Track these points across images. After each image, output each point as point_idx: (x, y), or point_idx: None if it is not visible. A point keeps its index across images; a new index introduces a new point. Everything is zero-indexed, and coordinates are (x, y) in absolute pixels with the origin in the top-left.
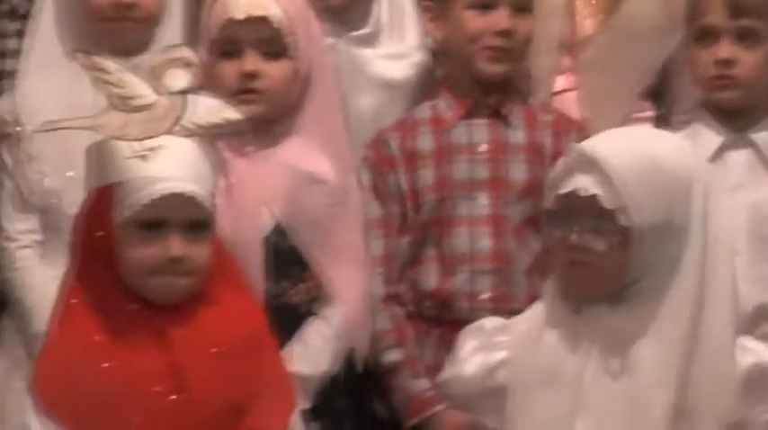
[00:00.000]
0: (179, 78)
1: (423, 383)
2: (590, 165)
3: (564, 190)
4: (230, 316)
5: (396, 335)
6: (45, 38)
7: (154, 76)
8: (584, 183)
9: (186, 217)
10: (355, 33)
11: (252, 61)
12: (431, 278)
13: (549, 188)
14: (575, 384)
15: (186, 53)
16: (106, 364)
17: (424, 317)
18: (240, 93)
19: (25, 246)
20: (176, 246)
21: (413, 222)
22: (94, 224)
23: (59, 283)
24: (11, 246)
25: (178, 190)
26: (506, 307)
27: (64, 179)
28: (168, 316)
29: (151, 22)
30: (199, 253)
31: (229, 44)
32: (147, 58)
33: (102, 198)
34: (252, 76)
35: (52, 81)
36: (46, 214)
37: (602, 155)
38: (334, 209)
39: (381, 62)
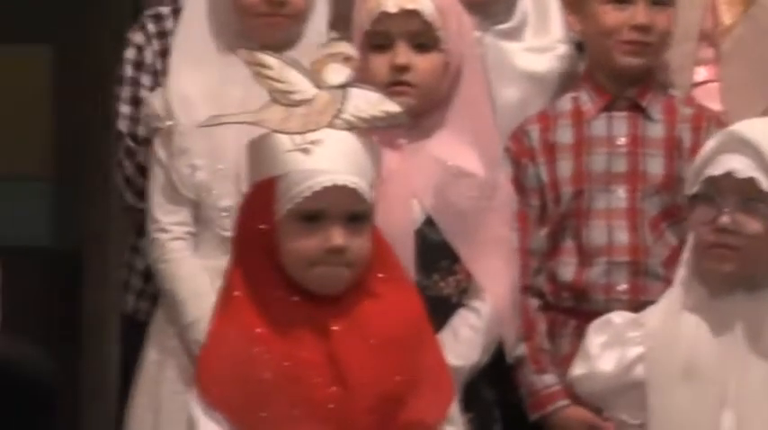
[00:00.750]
0: (338, 72)
1: (547, 379)
2: (744, 147)
3: (717, 172)
4: (389, 307)
5: (524, 328)
6: (194, 33)
7: (314, 71)
8: (740, 165)
9: (347, 208)
10: (500, 27)
11: (403, 54)
12: (568, 269)
13: (696, 172)
14: (720, 375)
15: (345, 48)
16: (268, 356)
17: (562, 307)
18: (391, 85)
19: (177, 238)
20: (337, 236)
21: (552, 214)
22: (256, 217)
23: (213, 275)
24: (162, 237)
25: (340, 182)
26: (642, 299)
27: (214, 173)
28: (328, 308)
29: (300, 18)
30: (359, 244)
31: (381, 37)
32: (301, 53)
33: (264, 191)
34: (403, 68)
35: (201, 76)
36: (197, 207)
37: (756, 138)
38: (482, 202)
39: (526, 55)
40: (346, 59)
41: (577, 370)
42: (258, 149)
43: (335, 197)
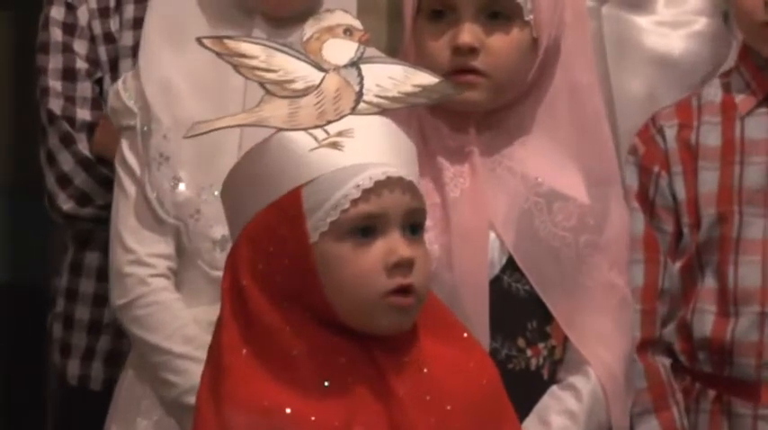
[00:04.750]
0: (342, 48)
1: None
2: None
3: None
4: (460, 364)
5: (654, 396)
6: (174, 3)
7: (311, 51)
8: None
9: (406, 209)
10: None
11: (470, 30)
12: (707, 320)
13: None
14: None
15: (343, 18)
16: None
17: (698, 372)
18: (454, 73)
19: (160, 275)
20: (403, 246)
21: (688, 243)
22: (275, 248)
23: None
24: (140, 273)
25: (393, 173)
26: None
27: (204, 189)
28: (388, 365)
29: None
30: (424, 260)
31: (441, 4)
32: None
33: (284, 210)
34: (469, 50)
35: (188, 58)
36: (178, 234)
37: None
38: (584, 236)
39: (656, 31)
40: (347, 32)
41: None
42: (265, 158)
43: (391, 196)
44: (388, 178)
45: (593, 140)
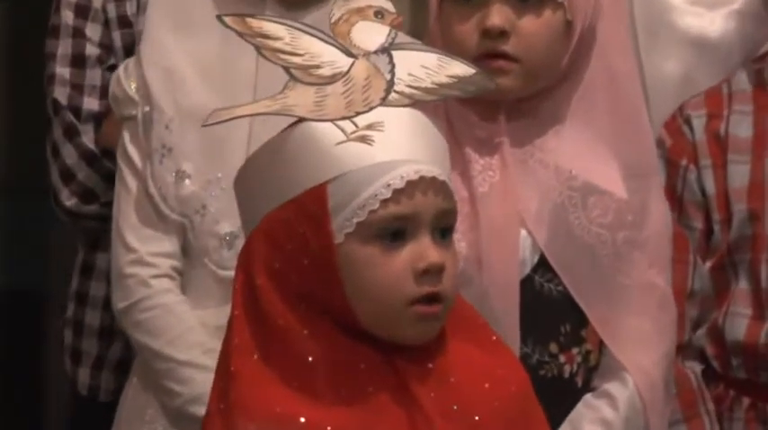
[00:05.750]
0: (372, 32)
1: None
2: None
3: None
4: (487, 370)
5: (684, 405)
6: None
7: (339, 34)
8: None
9: (438, 211)
10: None
11: (499, 12)
12: (740, 323)
13: None
14: None
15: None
16: None
17: (731, 378)
18: (482, 58)
19: (164, 275)
20: (433, 252)
21: (719, 241)
22: (295, 247)
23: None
24: (143, 273)
25: (426, 173)
26: None
27: (211, 183)
28: (411, 373)
29: None
30: (453, 265)
31: None
32: (319, 15)
33: (307, 208)
34: (499, 33)
35: (194, 43)
36: (183, 231)
37: None
38: (622, 233)
39: (690, 10)
40: (378, 14)
41: None
42: (287, 149)
43: (422, 198)
44: (421, 178)
45: (631, 130)
